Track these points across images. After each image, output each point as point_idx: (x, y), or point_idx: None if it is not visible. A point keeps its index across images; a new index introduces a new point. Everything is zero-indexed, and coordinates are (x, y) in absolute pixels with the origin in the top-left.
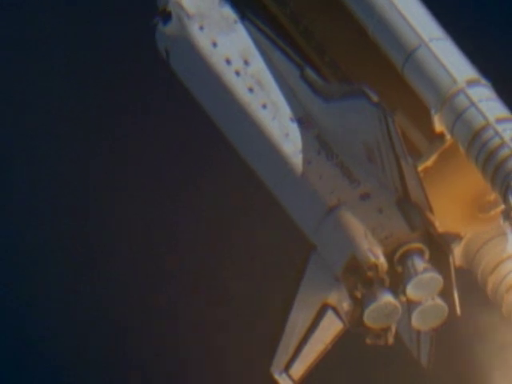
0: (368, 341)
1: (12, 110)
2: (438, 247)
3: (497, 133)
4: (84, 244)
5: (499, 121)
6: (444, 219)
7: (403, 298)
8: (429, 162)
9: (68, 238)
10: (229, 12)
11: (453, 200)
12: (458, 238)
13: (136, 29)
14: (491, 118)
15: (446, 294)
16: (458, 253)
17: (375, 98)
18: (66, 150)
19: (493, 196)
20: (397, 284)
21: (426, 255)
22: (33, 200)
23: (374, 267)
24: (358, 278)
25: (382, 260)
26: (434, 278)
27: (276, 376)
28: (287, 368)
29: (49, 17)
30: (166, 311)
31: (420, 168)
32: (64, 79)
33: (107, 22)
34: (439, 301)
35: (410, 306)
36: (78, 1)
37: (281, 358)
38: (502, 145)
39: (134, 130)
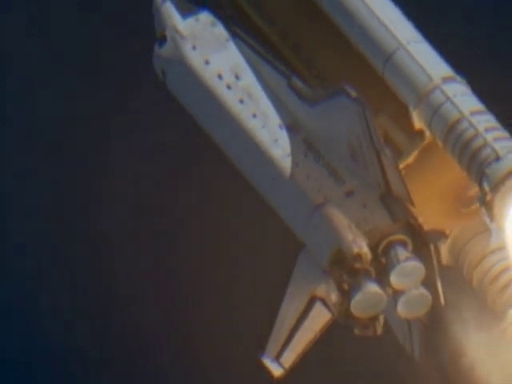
0: (357, 332)
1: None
2: (420, 238)
3: (471, 124)
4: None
5: (473, 113)
6: (428, 215)
7: (389, 290)
8: (410, 159)
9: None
10: (220, 31)
11: (435, 195)
12: (443, 235)
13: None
14: (466, 111)
15: (429, 284)
16: (444, 251)
17: (354, 94)
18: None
19: (474, 190)
20: (382, 275)
21: (410, 246)
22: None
23: (358, 257)
24: (344, 268)
25: (365, 250)
26: (416, 266)
27: (267, 364)
28: (278, 357)
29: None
30: (165, 309)
31: (401, 165)
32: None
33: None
34: (423, 290)
35: (395, 295)
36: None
37: (272, 347)
38: (476, 135)
39: (133, 139)
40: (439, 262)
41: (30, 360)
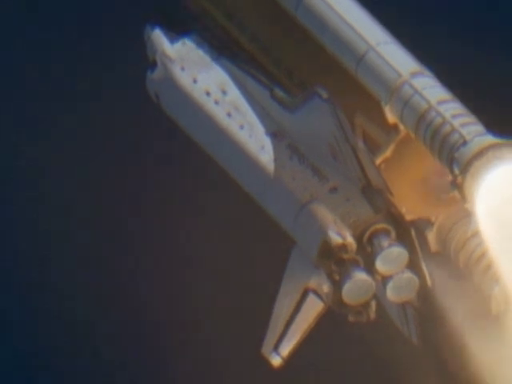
0: (351, 319)
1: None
2: (402, 225)
3: (438, 113)
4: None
5: (440, 102)
6: (411, 205)
7: (378, 277)
8: (388, 153)
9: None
10: (206, 52)
11: (416, 185)
12: (429, 223)
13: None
14: (433, 101)
15: (415, 268)
16: (432, 238)
17: (325, 94)
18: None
19: (451, 177)
20: (369, 263)
21: (392, 234)
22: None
23: (344, 247)
24: (332, 259)
25: (349, 240)
26: (399, 252)
27: (266, 355)
28: (276, 347)
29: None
30: (163, 309)
31: (380, 159)
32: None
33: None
34: (409, 273)
35: (384, 281)
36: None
37: (270, 339)
38: (444, 122)
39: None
40: (424, 246)
41: None
